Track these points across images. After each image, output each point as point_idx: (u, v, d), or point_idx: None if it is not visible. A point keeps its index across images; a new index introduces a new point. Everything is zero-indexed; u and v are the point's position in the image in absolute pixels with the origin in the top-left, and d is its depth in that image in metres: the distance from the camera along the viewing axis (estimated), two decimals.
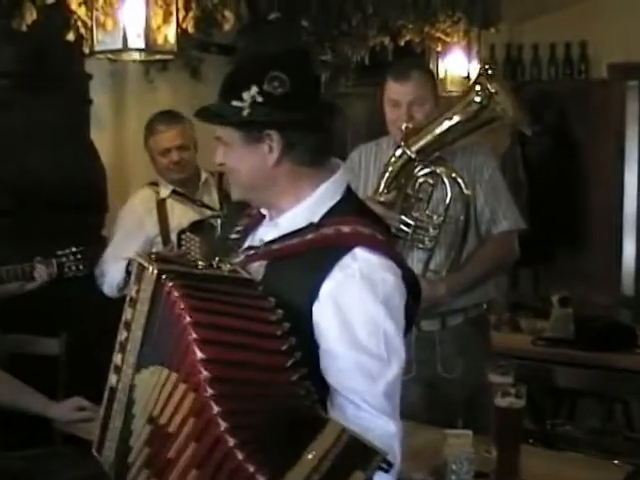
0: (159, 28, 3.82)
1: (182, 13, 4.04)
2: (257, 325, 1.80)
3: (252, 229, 2.14)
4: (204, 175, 4.17)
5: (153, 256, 1.87)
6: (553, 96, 6.90)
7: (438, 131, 3.38)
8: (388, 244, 2.02)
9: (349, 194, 2.05)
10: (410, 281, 2.00)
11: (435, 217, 3.39)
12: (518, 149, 6.84)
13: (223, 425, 1.62)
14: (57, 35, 4.17)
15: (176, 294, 1.75)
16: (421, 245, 3.41)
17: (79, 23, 4.04)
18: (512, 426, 2.78)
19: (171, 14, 3.84)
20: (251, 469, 1.58)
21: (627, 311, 6.23)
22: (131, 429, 1.87)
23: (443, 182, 3.38)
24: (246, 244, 2.10)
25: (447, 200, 3.38)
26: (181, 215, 4.07)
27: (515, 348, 4.61)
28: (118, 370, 1.92)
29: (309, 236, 1.94)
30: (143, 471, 1.83)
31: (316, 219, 1.97)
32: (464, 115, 3.36)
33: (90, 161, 4.76)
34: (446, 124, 3.37)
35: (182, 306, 1.73)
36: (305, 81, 1.98)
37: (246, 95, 1.89)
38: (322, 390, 1.85)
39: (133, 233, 4.03)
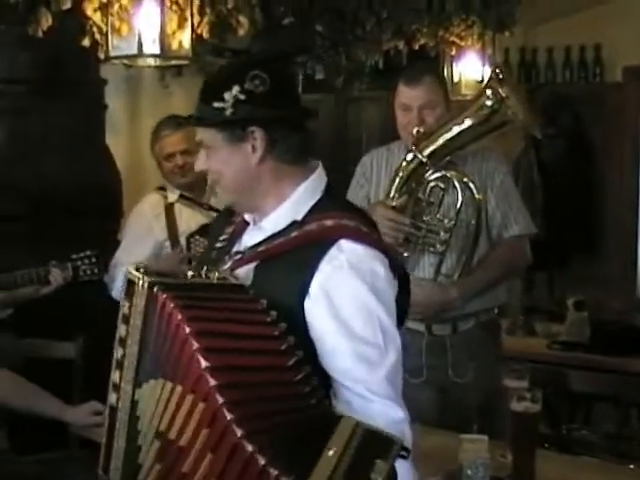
0: (174, 33, 3.84)
1: (197, 18, 4.06)
2: (254, 328, 1.81)
3: (237, 237, 2.15)
4: None
5: (141, 269, 1.85)
6: (568, 99, 6.89)
7: (449, 135, 3.38)
8: (373, 235, 2.03)
9: (330, 191, 2.08)
10: (398, 271, 2.03)
11: (446, 221, 3.39)
12: (533, 152, 6.83)
13: (239, 432, 1.61)
14: (72, 41, 4.19)
15: (171, 305, 1.75)
16: (432, 249, 3.41)
17: (94, 29, 4.06)
18: (528, 431, 2.77)
19: (186, 19, 3.86)
20: (275, 473, 1.58)
21: None
22: (138, 446, 1.85)
23: (454, 186, 3.38)
24: (233, 251, 2.11)
25: (458, 204, 3.38)
26: (189, 219, 4.08)
27: (530, 352, 4.61)
28: (117, 388, 1.89)
29: (293, 234, 1.96)
30: None
31: (299, 217, 2.00)
32: (475, 119, 3.36)
33: (105, 166, 4.79)
34: (457, 128, 3.38)
35: (180, 317, 1.73)
36: (284, 80, 2.02)
37: (227, 95, 1.92)
38: (325, 386, 1.86)
39: (142, 238, 4.04)
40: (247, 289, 1.91)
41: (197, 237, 3.99)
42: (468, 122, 3.37)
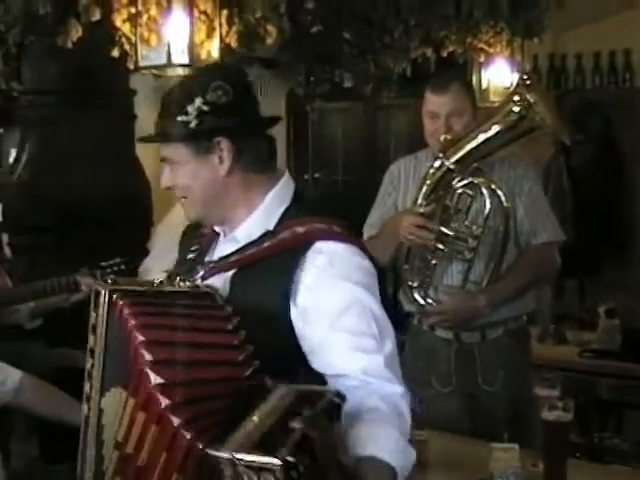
0: (202, 43, 3.87)
1: (225, 28, 4.09)
2: (213, 336, 1.80)
3: (207, 247, 2.16)
4: None
5: (110, 281, 1.86)
6: (597, 105, 6.84)
7: (477, 142, 3.36)
8: (347, 234, 2.02)
9: (299, 198, 2.09)
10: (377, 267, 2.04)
11: (474, 228, 3.37)
12: (562, 158, 6.78)
13: (201, 445, 1.59)
14: (102, 52, 4.22)
15: (127, 311, 1.75)
16: (460, 256, 3.40)
17: (124, 39, 4.10)
18: (559, 440, 2.75)
19: (214, 29, 3.89)
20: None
21: None
22: (102, 455, 1.84)
23: (482, 193, 3.36)
24: (205, 261, 2.12)
25: (486, 211, 3.36)
26: None
27: (561, 360, 4.58)
28: (88, 398, 1.89)
29: (266, 244, 1.97)
30: None
31: (271, 226, 2.00)
32: (503, 125, 3.34)
33: (135, 176, 4.81)
34: (485, 135, 3.35)
35: (133, 323, 1.73)
36: (245, 91, 2.02)
37: (191, 108, 1.94)
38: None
39: (171, 247, 4.05)
40: (214, 296, 1.91)
41: None
42: (496, 128, 3.35)
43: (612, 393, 4.50)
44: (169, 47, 3.78)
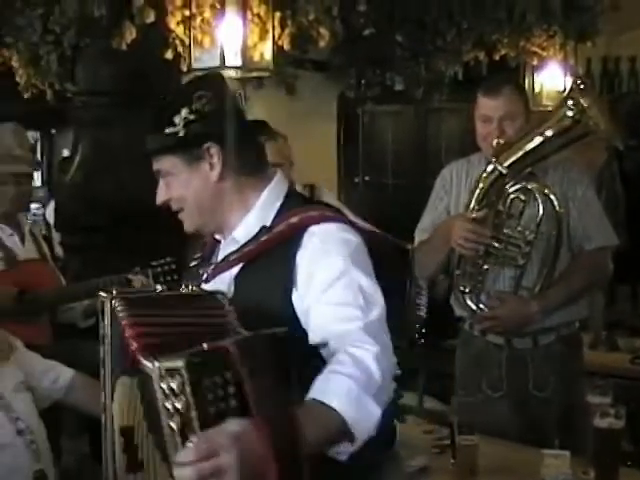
0: (255, 45, 3.88)
1: (278, 30, 4.09)
2: (201, 324, 1.87)
3: (210, 254, 2.21)
4: (297, 188, 4.19)
5: (114, 292, 1.92)
6: None
7: (530, 146, 3.33)
8: (338, 216, 2.08)
9: (292, 195, 2.15)
10: (372, 244, 2.08)
11: (527, 233, 3.35)
12: (615, 164, 6.72)
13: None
14: (155, 53, 4.25)
15: (119, 308, 1.83)
16: (513, 262, 3.38)
17: (177, 41, 4.12)
18: (611, 447, 2.73)
19: (267, 31, 3.90)
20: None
21: None
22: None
23: (535, 198, 3.34)
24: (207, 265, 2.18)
25: (539, 216, 3.34)
26: None
27: (613, 367, 4.53)
28: (104, 408, 1.98)
29: (263, 238, 2.02)
30: None
31: (268, 222, 2.05)
32: (556, 130, 3.31)
33: None
34: (538, 139, 3.33)
35: (125, 322, 1.80)
36: (228, 97, 2.09)
37: (177, 119, 2.00)
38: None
39: None
40: (213, 297, 1.95)
41: None
42: (549, 133, 3.32)
43: None
44: (222, 49, 3.80)
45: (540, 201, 3.34)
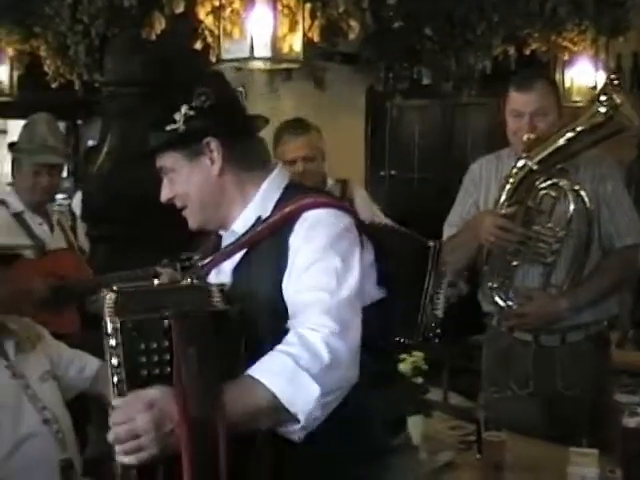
0: (285, 37, 3.87)
1: (308, 22, 4.08)
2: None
3: (214, 249, 2.23)
4: (330, 182, 4.17)
5: (115, 287, 1.99)
6: None
7: (561, 142, 3.30)
8: (333, 201, 2.11)
9: (293, 185, 2.17)
10: (372, 241, 2.11)
11: (557, 230, 3.32)
12: None
13: None
14: (184, 44, 4.24)
15: (109, 302, 1.88)
16: (542, 259, 3.35)
17: (206, 32, 4.11)
18: (639, 446, 2.71)
19: (297, 23, 3.89)
20: None
21: None
22: None
23: (565, 195, 3.31)
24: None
25: (569, 213, 3.31)
26: None
27: None
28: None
29: (259, 228, 2.06)
30: None
31: (266, 214, 2.08)
32: (588, 126, 3.27)
33: None
34: (570, 135, 3.29)
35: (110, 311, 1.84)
36: (227, 94, 2.16)
37: (178, 116, 2.05)
38: None
39: None
40: (207, 288, 2.01)
41: None
42: (581, 129, 3.29)
43: None
44: (252, 40, 3.79)
45: (571, 198, 3.31)
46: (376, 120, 8.13)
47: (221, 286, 2.01)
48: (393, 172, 8.64)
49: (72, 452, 2.91)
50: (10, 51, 5.64)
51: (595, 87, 5.86)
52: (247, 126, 2.19)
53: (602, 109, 3.24)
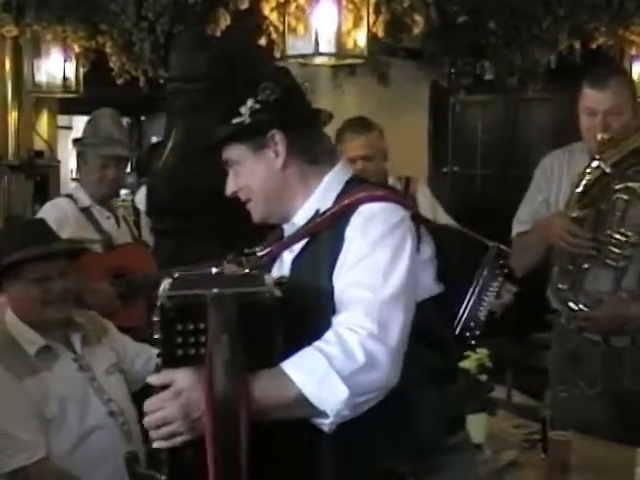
0: (349, 32, 3.86)
1: (372, 17, 4.06)
2: None
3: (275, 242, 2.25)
4: (390, 180, 4.16)
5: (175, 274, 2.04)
6: None
7: (637, 144, 3.21)
8: (392, 193, 2.13)
9: (354, 180, 2.17)
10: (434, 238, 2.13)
11: (630, 235, 3.25)
12: None
13: None
14: (249, 40, 4.26)
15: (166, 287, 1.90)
16: (613, 263, 3.28)
17: (271, 28, 4.12)
18: None
19: (361, 18, 3.88)
20: None
21: None
22: None
23: (639, 198, 3.23)
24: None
25: None
26: None
27: None
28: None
29: (318, 220, 2.08)
30: None
31: (326, 207, 2.09)
32: None
33: None
34: None
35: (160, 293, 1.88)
36: (292, 88, 2.17)
37: (244, 109, 2.08)
38: None
39: None
40: (256, 276, 2.04)
41: None
42: None
43: None
44: (316, 36, 3.80)
45: None
46: (439, 116, 8.09)
47: (281, 278, 2.04)
48: (456, 168, 8.59)
49: (137, 444, 2.94)
50: (76, 48, 5.71)
51: None
52: (312, 120, 2.21)
53: None
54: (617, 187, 3.26)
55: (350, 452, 1.94)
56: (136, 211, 4.55)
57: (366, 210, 2.00)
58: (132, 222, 4.24)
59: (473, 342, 2.80)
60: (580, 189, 3.28)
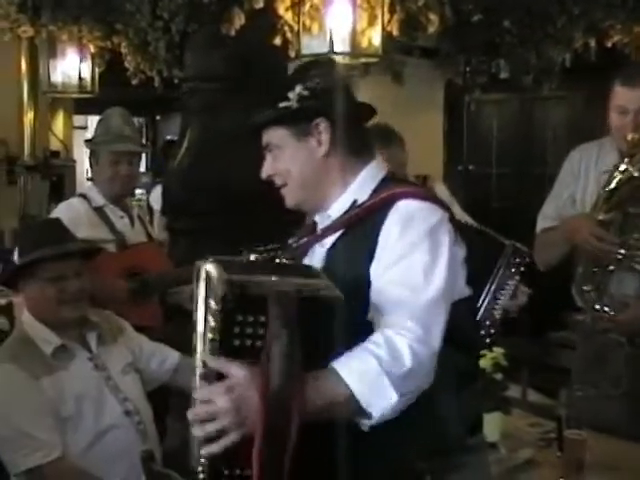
0: (364, 32, 3.86)
1: (387, 16, 4.06)
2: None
3: (307, 235, 2.26)
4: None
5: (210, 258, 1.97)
6: None
7: None
8: (429, 193, 2.14)
9: (389, 177, 2.18)
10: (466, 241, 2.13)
11: None
12: None
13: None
14: (263, 39, 4.26)
15: (214, 271, 1.84)
16: (639, 267, 3.27)
17: (285, 27, 4.12)
18: None
19: (376, 17, 3.88)
20: None
21: None
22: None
23: None
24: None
25: None
26: None
27: None
28: (193, 371, 1.99)
29: (354, 211, 2.08)
30: None
31: (362, 200, 2.10)
32: None
33: None
34: None
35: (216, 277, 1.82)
36: (339, 80, 2.20)
37: (292, 94, 2.09)
38: None
39: None
40: (305, 266, 2.09)
41: None
42: None
43: None
44: (331, 35, 3.80)
45: None
46: (454, 114, 8.09)
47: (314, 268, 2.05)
48: (471, 167, 8.58)
49: (153, 443, 2.95)
50: (92, 48, 5.72)
51: None
52: (356, 113, 2.21)
53: None
54: None
55: (373, 448, 1.94)
56: (150, 210, 4.56)
57: (404, 206, 2.01)
58: (147, 221, 4.25)
59: (489, 341, 2.81)
60: (607, 190, 3.25)
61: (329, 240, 2.13)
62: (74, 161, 8.79)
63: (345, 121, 2.12)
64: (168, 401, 3.68)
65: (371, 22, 3.89)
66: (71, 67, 5.93)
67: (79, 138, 9.17)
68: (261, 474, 1.74)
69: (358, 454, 1.90)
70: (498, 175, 8.47)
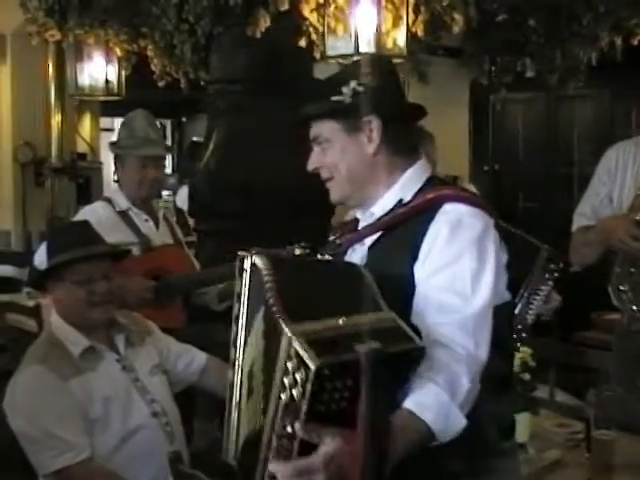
0: (389, 32, 3.87)
1: (411, 17, 4.06)
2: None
3: (349, 231, 2.25)
4: None
5: (254, 251, 1.96)
6: None
7: None
8: (476, 198, 2.11)
9: (435, 178, 2.18)
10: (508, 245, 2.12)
11: None
12: None
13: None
14: (289, 41, 4.27)
15: (261, 265, 1.84)
16: None
17: (311, 29, 4.13)
18: None
19: (401, 18, 3.88)
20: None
21: None
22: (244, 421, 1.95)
23: None
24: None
25: None
26: None
27: None
28: (233, 364, 2.00)
29: (400, 211, 2.08)
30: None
31: (407, 199, 2.10)
32: None
33: None
34: None
35: (267, 279, 1.80)
36: (395, 79, 2.18)
37: (346, 89, 2.08)
38: None
39: None
40: (349, 265, 2.07)
41: None
42: None
43: None
44: (356, 36, 3.80)
45: None
46: (480, 114, 8.07)
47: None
48: (497, 166, 8.56)
49: (180, 444, 2.96)
50: (118, 51, 5.75)
51: None
52: (407, 112, 2.22)
53: None
54: None
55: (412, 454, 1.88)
56: (177, 211, 4.57)
57: (453, 210, 2.00)
58: (174, 223, 4.26)
59: (519, 344, 2.80)
60: None
61: (370, 238, 2.13)
62: (101, 163, 8.84)
63: (396, 120, 2.13)
64: (195, 402, 3.70)
65: (396, 23, 3.89)
66: (98, 70, 5.96)
67: (106, 140, 9.21)
68: None
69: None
70: (524, 174, 8.44)
